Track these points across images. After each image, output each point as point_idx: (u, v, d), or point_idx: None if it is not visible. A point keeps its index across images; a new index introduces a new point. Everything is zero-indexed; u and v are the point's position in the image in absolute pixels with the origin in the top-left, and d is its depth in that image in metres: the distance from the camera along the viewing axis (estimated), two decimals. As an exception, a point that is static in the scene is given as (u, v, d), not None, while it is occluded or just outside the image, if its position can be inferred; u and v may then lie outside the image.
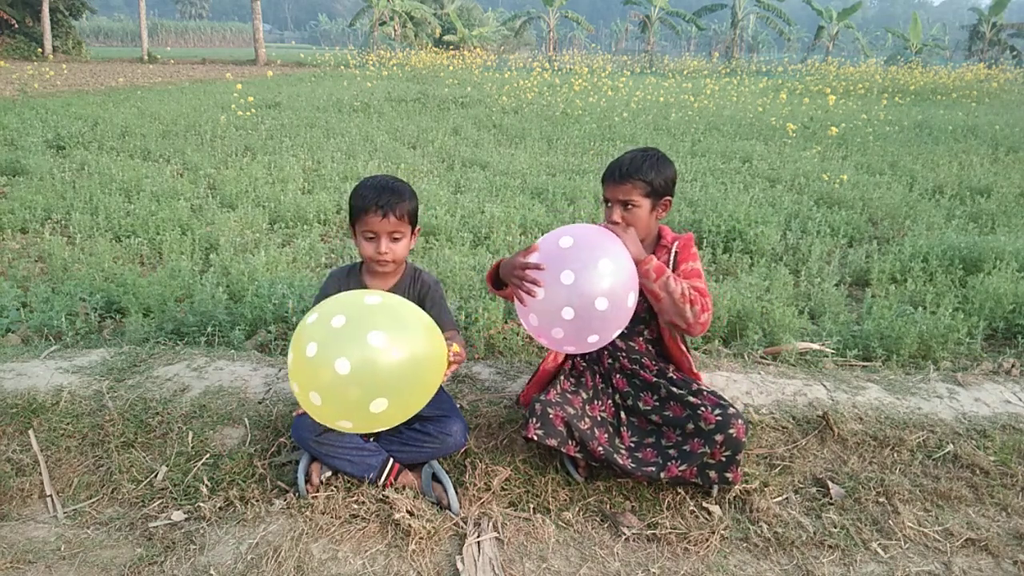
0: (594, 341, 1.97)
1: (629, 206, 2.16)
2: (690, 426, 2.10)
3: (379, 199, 2.04)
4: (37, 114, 9.97)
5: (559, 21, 40.00)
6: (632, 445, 2.18)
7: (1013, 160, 7.95)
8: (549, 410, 2.08)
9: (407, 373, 1.76)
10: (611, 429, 2.21)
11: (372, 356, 1.70)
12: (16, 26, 30.47)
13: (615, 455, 2.10)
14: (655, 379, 2.25)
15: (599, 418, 2.22)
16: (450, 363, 1.94)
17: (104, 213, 5.06)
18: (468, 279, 3.83)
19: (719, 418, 2.04)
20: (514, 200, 5.72)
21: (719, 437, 2.02)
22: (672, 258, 2.24)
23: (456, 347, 1.98)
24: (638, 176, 2.14)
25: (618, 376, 2.32)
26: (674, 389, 2.20)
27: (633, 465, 2.09)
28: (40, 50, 30.29)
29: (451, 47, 33.90)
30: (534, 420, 2.07)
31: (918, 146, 8.87)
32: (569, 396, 2.18)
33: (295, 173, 6.59)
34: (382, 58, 26.96)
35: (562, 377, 2.27)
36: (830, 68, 25.03)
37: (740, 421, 2.04)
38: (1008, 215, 5.48)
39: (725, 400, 2.12)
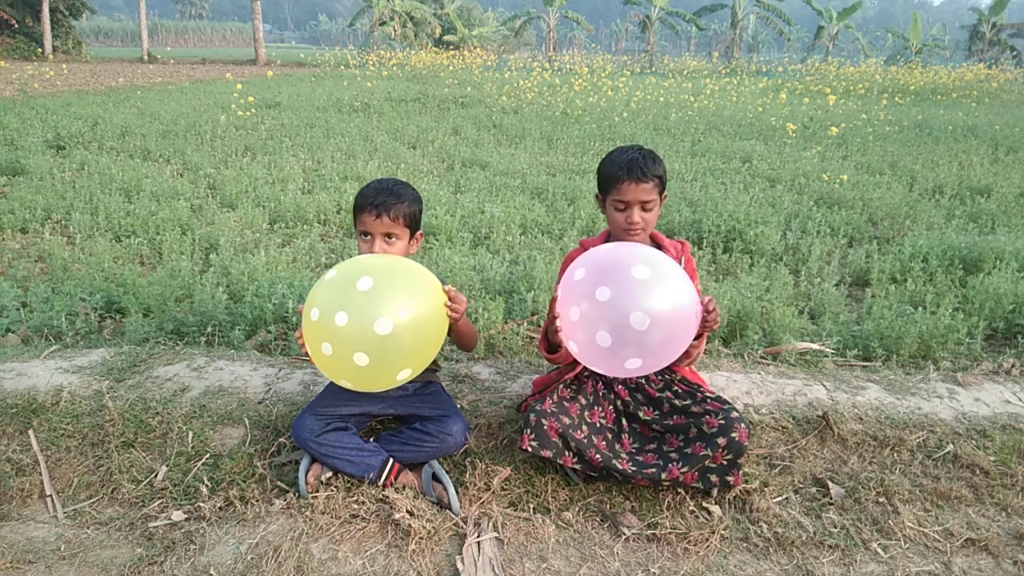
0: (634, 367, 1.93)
1: (648, 206, 2.14)
2: (693, 431, 2.09)
3: (375, 199, 2.09)
4: (37, 114, 9.97)
5: (559, 21, 39.99)
6: (633, 451, 2.15)
7: (1013, 160, 7.95)
8: (543, 421, 2.05)
9: (418, 340, 1.90)
10: (610, 436, 2.17)
11: (384, 343, 1.82)
12: (16, 26, 30.48)
13: (614, 460, 2.07)
14: (659, 393, 2.22)
15: (598, 424, 2.17)
16: (451, 309, 1.99)
17: (104, 213, 5.06)
18: (468, 279, 3.83)
19: (722, 422, 2.03)
20: (514, 200, 5.72)
21: (722, 441, 2.02)
22: None
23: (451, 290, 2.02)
24: (654, 173, 2.11)
25: (620, 386, 2.26)
26: (677, 402, 2.17)
27: (633, 468, 2.07)
28: (40, 50, 30.29)
29: (451, 47, 33.88)
30: (528, 431, 2.05)
31: (918, 146, 8.87)
32: (566, 404, 2.14)
33: (295, 173, 6.59)
34: (382, 58, 26.96)
35: (561, 385, 2.22)
36: (830, 68, 25.00)
37: (743, 425, 2.03)
38: (1008, 215, 5.48)
39: (728, 404, 2.11)
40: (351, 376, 1.91)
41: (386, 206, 2.09)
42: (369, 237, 2.12)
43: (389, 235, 2.13)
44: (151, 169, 6.66)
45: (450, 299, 1.99)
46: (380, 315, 1.81)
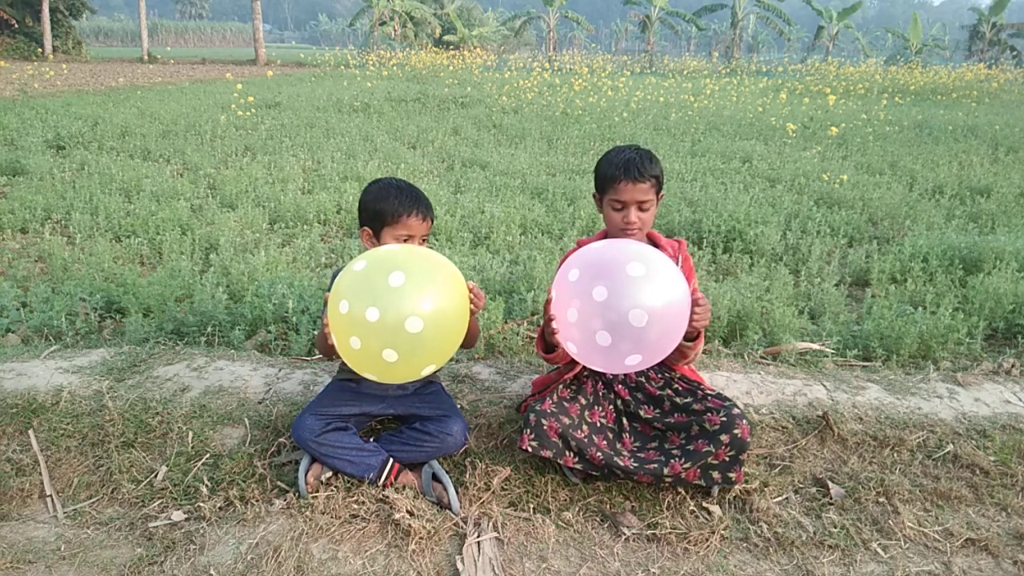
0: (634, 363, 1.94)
1: (645, 206, 2.15)
2: (695, 428, 2.09)
3: (418, 204, 2.17)
4: (37, 114, 9.96)
5: (559, 21, 40.00)
6: (635, 448, 2.16)
7: (1013, 160, 7.95)
8: (543, 421, 2.06)
9: (445, 337, 1.91)
10: (611, 435, 2.17)
11: (414, 341, 1.80)
12: (16, 26, 30.50)
13: (616, 458, 2.07)
14: (659, 392, 2.22)
15: (598, 424, 2.17)
16: (474, 304, 2.02)
17: (104, 213, 5.06)
18: (468, 279, 3.82)
19: (724, 419, 2.03)
20: (514, 200, 5.72)
21: (724, 438, 2.02)
22: None
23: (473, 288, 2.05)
24: (651, 173, 2.12)
25: (620, 386, 2.26)
26: (678, 400, 2.17)
27: (635, 465, 2.06)
28: (40, 50, 30.30)
29: (451, 47, 33.88)
30: (528, 431, 2.06)
31: (918, 146, 8.87)
32: (566, 405, 2.14)
33: (295, 173, 6.59)
34: (382, 58, 26.96)
35: (561, 386, 2.22)
36: (830, 68, 25.00)
37: (745, 422, 2.03)
38: (1008, 215, 5.48)
39: (729, 400, 2.11)
40: (377, 370, 1.90)
41: (430, 209, 2.20)
42: (409, 239, 2.18)
43: (425, 236, 2.22)
44: (151, 169, 6.66)
45: (473, 294, 2.01)
46: (412, 313, 1.78)
